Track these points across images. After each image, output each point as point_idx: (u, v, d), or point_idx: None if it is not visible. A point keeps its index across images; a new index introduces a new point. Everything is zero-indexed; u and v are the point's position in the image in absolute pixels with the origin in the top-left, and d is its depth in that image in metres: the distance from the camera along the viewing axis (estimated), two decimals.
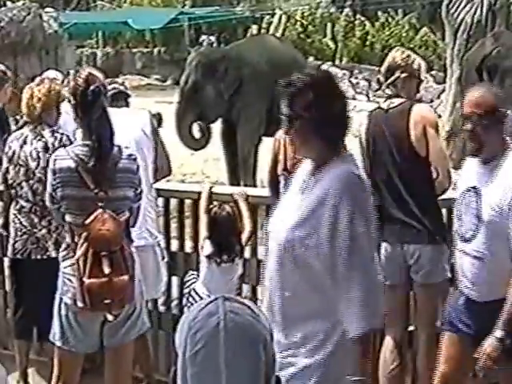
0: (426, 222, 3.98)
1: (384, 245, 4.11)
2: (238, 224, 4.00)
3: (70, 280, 3.45)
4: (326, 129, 2.66)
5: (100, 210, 3.37)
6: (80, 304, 3.40)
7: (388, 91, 4.19)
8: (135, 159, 3.55)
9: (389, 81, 4.17)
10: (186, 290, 4.09)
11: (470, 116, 3.29)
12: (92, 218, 3.36)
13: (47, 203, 3.59)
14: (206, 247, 3.97)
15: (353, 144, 4.86)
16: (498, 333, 3.14)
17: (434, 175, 4.03)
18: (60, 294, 3.52)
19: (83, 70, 3.54)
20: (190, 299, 3.95)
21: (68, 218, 3.46)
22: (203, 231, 4.10)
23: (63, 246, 3.58)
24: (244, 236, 4.06)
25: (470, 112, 3.30)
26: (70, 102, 3.56)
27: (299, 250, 2.64)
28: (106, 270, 3.34)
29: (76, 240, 3.41)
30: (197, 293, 3.92)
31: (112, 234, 3.38)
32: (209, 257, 3.93)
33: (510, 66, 6.88)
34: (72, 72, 3.57)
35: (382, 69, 4.29)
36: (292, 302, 2.64)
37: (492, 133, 3.29)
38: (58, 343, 3.57)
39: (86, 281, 3.34)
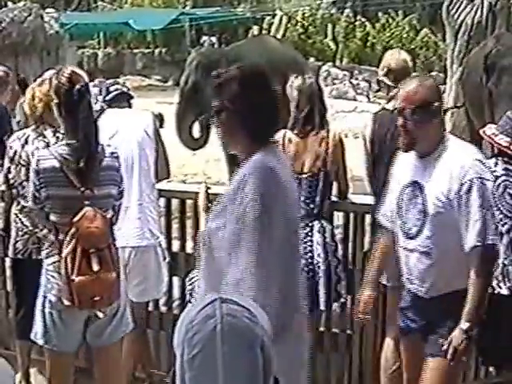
0: None
1: None
2: None
3: (53, 277, 3.45)
4: (250, 121, 2.64)
5: (88, 208, 3.37)
6: (66, 302, 3.39)
7: (392, 92, 4.21)
8: (117, 157, 3.56)
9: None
10: (189, 287, 4.09)
11: (402, 111, 3.22)
12: (80, 215, 3.35)
13: (30, 203, 3.58)
14: None
15: (353, 144, 4.89)
16: (463, 324, 3.09)
17: None
18: (44, 292, 3.49)
19: (65, 69, 3.51)
20: (194, 295, 3.96)
21: (53, 217, 3.45)
22: None
23: (46, 244, 3.57)
24: None
25: (402, 107, 3.22)
26: (52, 100, 3.54)
27: (215, 243, 2.61)
28: (95, 268, 3.34)
29: (60, 238, 3.40)
30: None
31: (101, 232, 3.39)
32: None
33: (507, 65, 6.87)
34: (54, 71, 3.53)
35: (393, 67, 4.30)
36: None
37: (426, 127, 3.20)
38: (40, 342, 3.55)
39: (76, 278, 3.33)
